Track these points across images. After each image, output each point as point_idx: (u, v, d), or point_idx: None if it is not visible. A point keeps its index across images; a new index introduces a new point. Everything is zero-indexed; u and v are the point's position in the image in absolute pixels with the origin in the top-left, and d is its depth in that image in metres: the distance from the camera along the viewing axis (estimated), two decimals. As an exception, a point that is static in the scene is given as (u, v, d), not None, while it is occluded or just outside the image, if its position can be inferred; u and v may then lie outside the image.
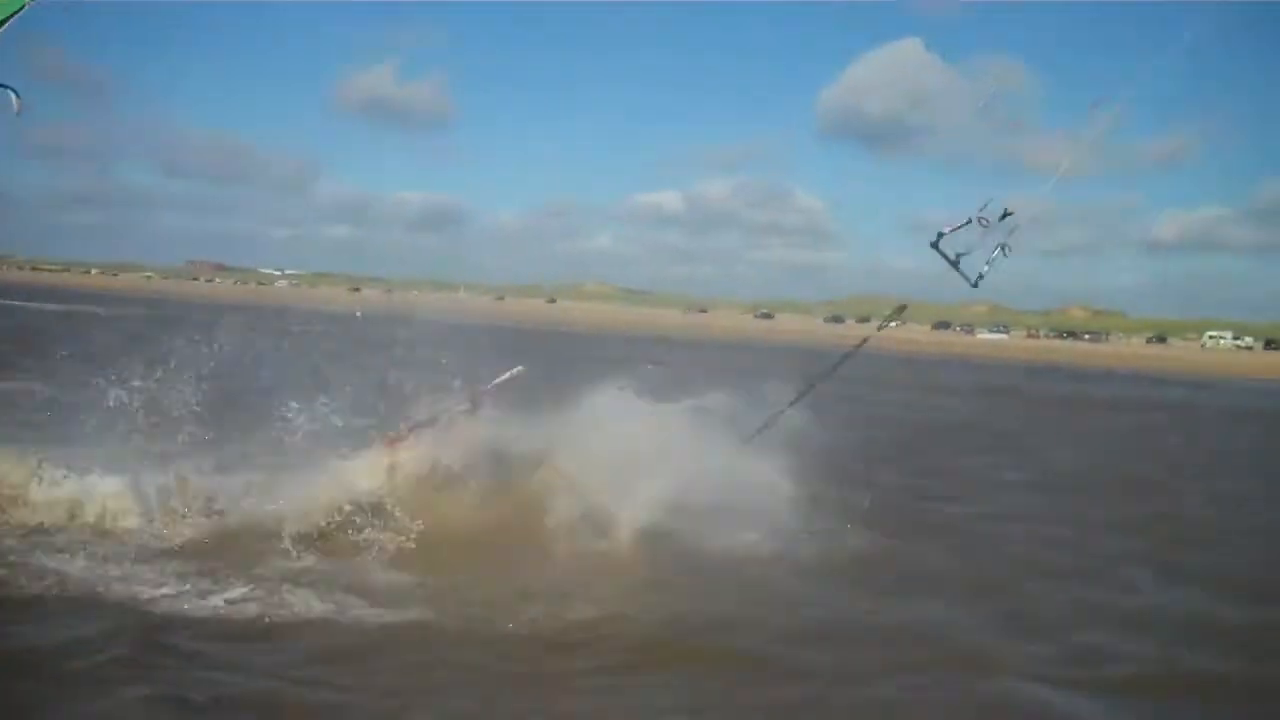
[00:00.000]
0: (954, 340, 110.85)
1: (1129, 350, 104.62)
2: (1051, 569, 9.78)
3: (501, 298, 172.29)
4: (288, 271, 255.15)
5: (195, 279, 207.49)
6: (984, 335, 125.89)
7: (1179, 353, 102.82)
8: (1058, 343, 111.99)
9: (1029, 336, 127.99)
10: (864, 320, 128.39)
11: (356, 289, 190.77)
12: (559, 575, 8.40)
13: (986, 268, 8.87)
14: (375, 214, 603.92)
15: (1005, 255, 8.70)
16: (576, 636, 7.07)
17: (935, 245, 8.75)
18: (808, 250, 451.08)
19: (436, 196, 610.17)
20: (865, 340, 10.16)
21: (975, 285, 8.95)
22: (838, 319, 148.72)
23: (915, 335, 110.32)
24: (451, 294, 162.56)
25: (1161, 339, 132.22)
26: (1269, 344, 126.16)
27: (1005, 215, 8.59)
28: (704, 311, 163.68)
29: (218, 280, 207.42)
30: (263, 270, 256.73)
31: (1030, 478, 15.47)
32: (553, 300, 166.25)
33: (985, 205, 8.54)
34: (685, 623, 7.49)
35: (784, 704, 6.30)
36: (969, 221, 8.60)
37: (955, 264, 8.77)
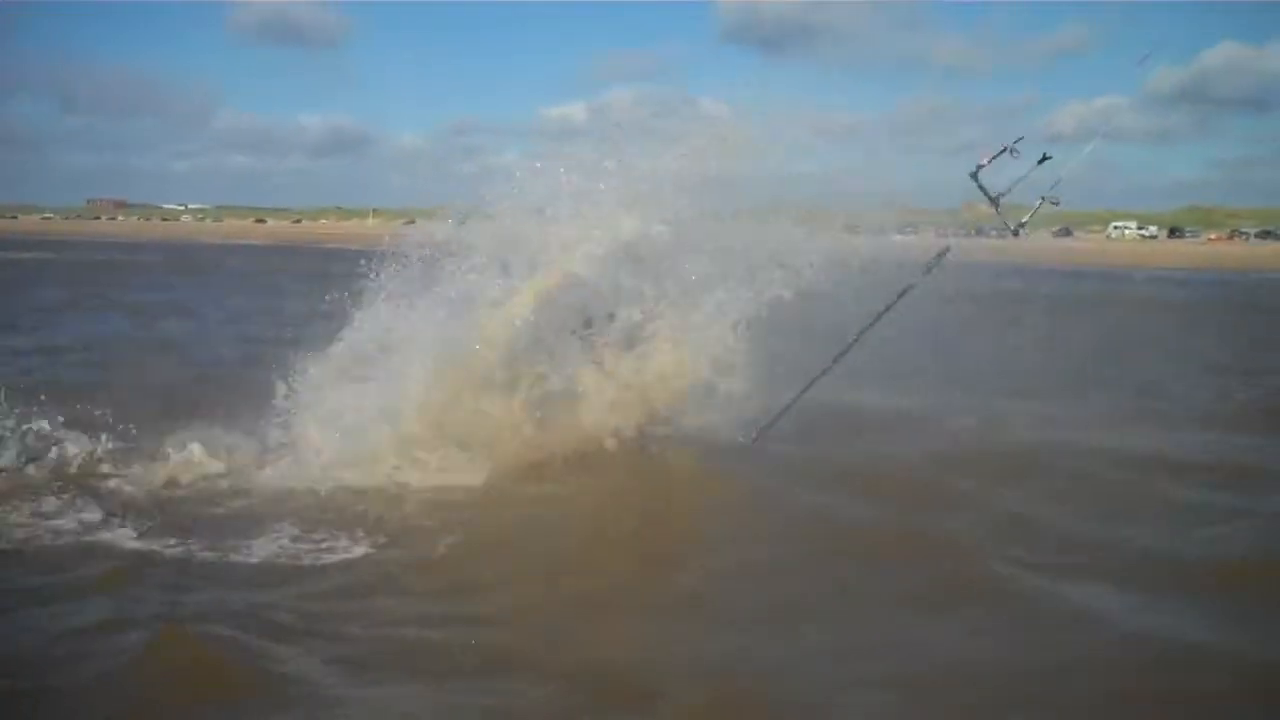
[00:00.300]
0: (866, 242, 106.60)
1: (1039, 245, 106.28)
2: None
3: (411, 221, 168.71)
4: (191, 206, 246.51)
5: (97, 218, 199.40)
6: (895, 236, 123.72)
7: (1086, 245, 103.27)
8: (965, 240, 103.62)
9: (938, 235, 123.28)
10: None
11: (261, 220, 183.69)
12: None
13: (1027, 220, 8.72)
14: (276, 141, 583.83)
15: (1053, 205, 8.38)
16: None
17: (974, 176, 8.47)
18: (715, 159, 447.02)
19: (338, 120, 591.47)
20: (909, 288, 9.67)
21: (1015, 234, 8.80)
22: None
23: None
24: (361, 220, 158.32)
25: (1068, 232, 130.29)
26: (1172, 232, 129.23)
27: (1044, 160, 8.17)
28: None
29: (120, 218, 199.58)
30: (165, 206, 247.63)
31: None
32: (464, 221, 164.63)
33: (1018, 140, 8.17)
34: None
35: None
36: (1003, 150, 8.24)
37: (995, 201, 8.55)
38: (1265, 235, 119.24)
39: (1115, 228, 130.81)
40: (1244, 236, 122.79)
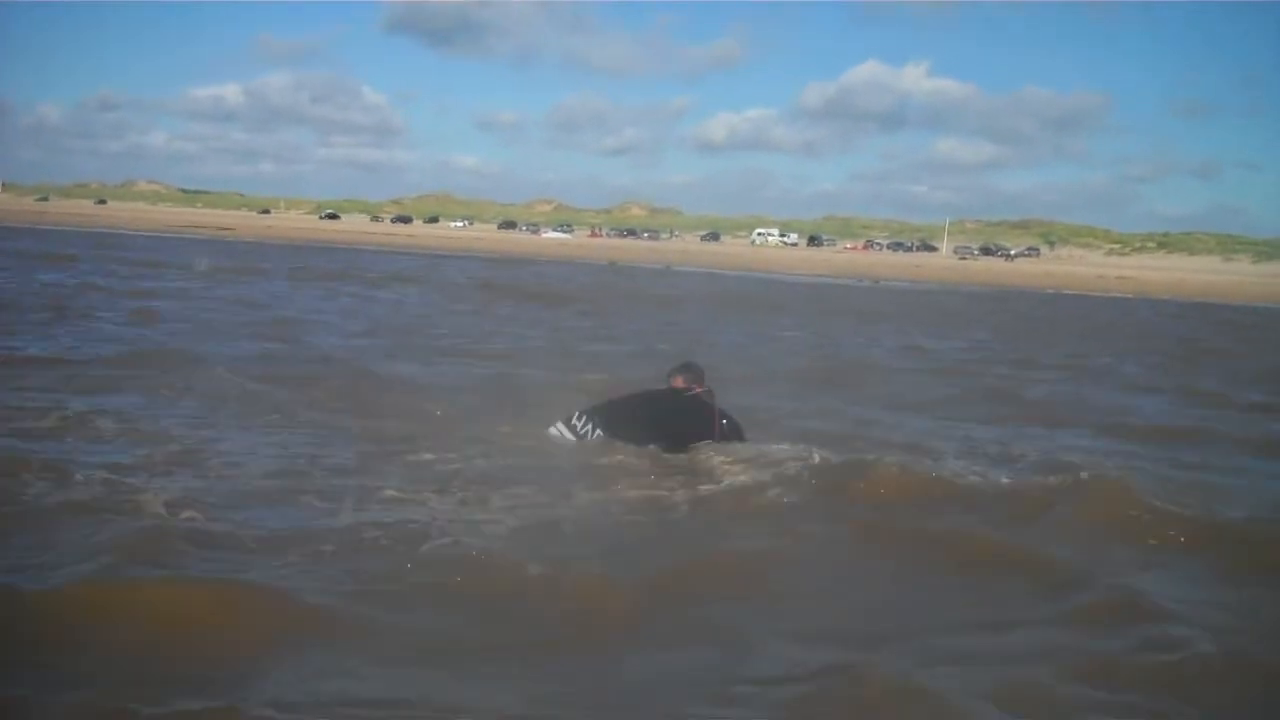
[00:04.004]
0: (521, 240, 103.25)
1: (687, 246, 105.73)
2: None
3: (45, 198, 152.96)
4: None
5: None
6: (550, 234, 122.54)
7: (731, 249, 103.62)
8: (619, 241, 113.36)
9: (592, 235, 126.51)
10: (432, 220, 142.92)
11: None
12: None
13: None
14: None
15: None
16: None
17: None
18: (376, 148, 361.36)
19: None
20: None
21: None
22: (405, 219, 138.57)
23: (482, 234, 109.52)
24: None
25: (715, 236, 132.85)
26: (812, 240, 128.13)
27: None
28: (266, 212, 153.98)
29: None
30: None
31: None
32: (103, 201, 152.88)
33: None
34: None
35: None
36: None
37: None
38: (896, 246, 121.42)
39: (759, 234, 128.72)
40: (878, 246, 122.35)
